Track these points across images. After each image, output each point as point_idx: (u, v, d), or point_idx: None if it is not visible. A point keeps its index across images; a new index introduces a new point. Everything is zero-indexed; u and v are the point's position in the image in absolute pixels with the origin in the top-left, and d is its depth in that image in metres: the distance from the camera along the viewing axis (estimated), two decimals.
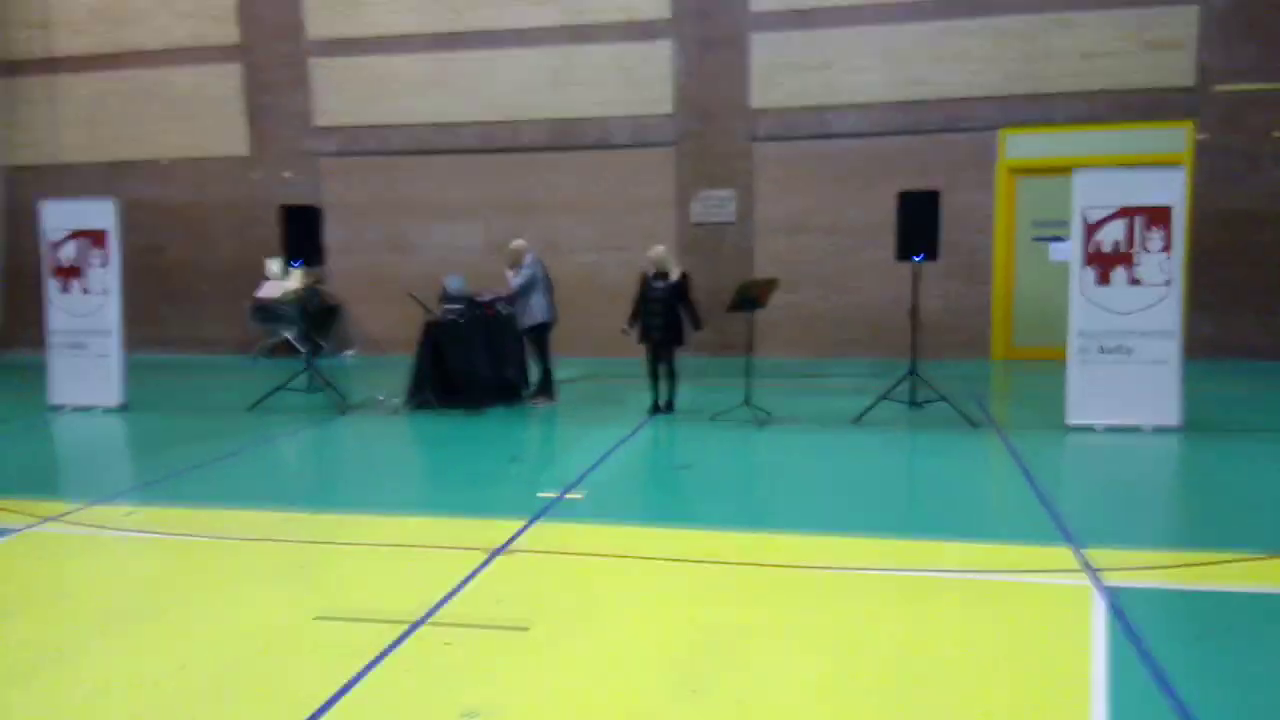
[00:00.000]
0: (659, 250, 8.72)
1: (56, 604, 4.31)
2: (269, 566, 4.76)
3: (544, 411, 9.10)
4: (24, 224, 12.87)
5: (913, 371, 8.58)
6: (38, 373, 9.72)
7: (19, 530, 5.39)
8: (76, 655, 3.70)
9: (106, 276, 9.54)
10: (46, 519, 5.59)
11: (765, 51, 12.39)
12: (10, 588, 4.56)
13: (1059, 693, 3.26)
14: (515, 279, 9.10)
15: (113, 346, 9.48)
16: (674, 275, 8.56)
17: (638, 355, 8.93)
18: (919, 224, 8.32)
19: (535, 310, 9.13)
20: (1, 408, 9.93)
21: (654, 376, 8.72)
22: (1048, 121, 11.76)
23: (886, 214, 8.65)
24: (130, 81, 14.28)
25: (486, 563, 4.70)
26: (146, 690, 3.38)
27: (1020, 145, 11.90)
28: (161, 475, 6.74)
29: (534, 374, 9.48)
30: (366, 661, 3.57)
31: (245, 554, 4.98)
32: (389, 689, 3.39)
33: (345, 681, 3.42)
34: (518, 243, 9.35)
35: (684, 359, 9.15)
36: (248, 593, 4.38)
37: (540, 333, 9.24)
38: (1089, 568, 4.46)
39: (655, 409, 8.70)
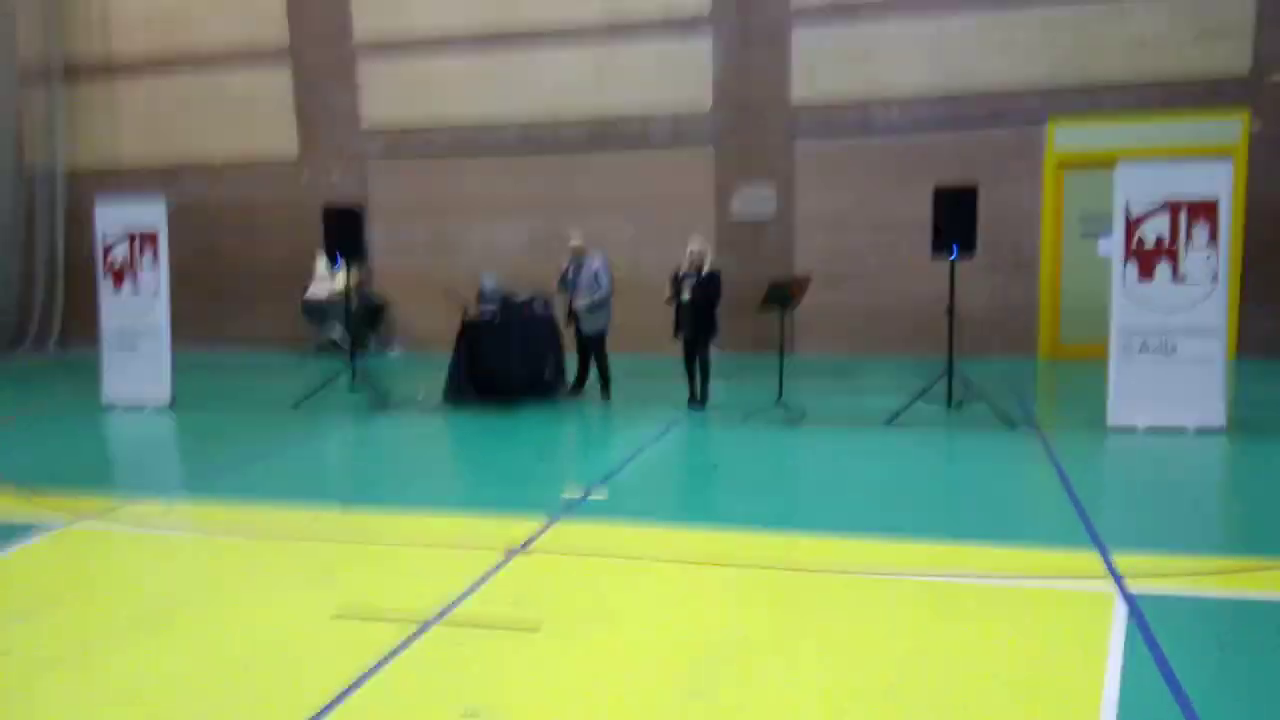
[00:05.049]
0: (693, 246, 8.71)
1: (86, 600, 4.45)
2: (295, 565, 4.87)
3: (581, 408, 9.17)
4: (84, 226, 13.30)
5: (950, 371, 8.44)
6: (94, 371, 10.05)
7: (59, 526, 5.59)
8: (100, 653, 3.82)
9: (156, 277, 9.81)
10: (86, 515, 5.78)
11: (806, 45, 12.29)
12: (44, 583, 4.73)
13: (1068, 705, 3.19)
14: (601, 279, 9.18)
15: (162, 346, 9.76)
16: (705, 269, 8.59)
17: (677, 352, 8.97)
18: (955, 219, 8.18)
19: (609, 311, 9.33)
20: (56, 405, 10.31)
21: (691, 372, 8.78)
22: (1095, 111, 11.46)
23: (929, 209, 8.51)
24: (184, 85, 14.69)
25: (505, 562, 4.75)
26: (161, 688, 3.48)
27: (1069, 137, 11.62)
28: (200, 472, 6.94)
29: (573, 373, 9.57)
30: (376, 660, 3.64)
31: (273, 552, 5.10)
32: (394, 687, 3.44)
33: (352, 680, 3.48)
34: (577, 241, 9.38)
35: (722, 355, 9.15)
36: (271, 591, 4.49)
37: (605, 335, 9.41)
38: (1114, 573, 4.36)
39: (691, 400, 8.76)
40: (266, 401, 9.89)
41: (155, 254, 9.81)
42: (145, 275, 9.82)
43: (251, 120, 14.47)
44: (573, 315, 9.30)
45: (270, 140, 14.42)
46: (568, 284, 9.28)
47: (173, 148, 14.82)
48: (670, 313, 8.77)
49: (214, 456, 7.39)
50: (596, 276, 9.20)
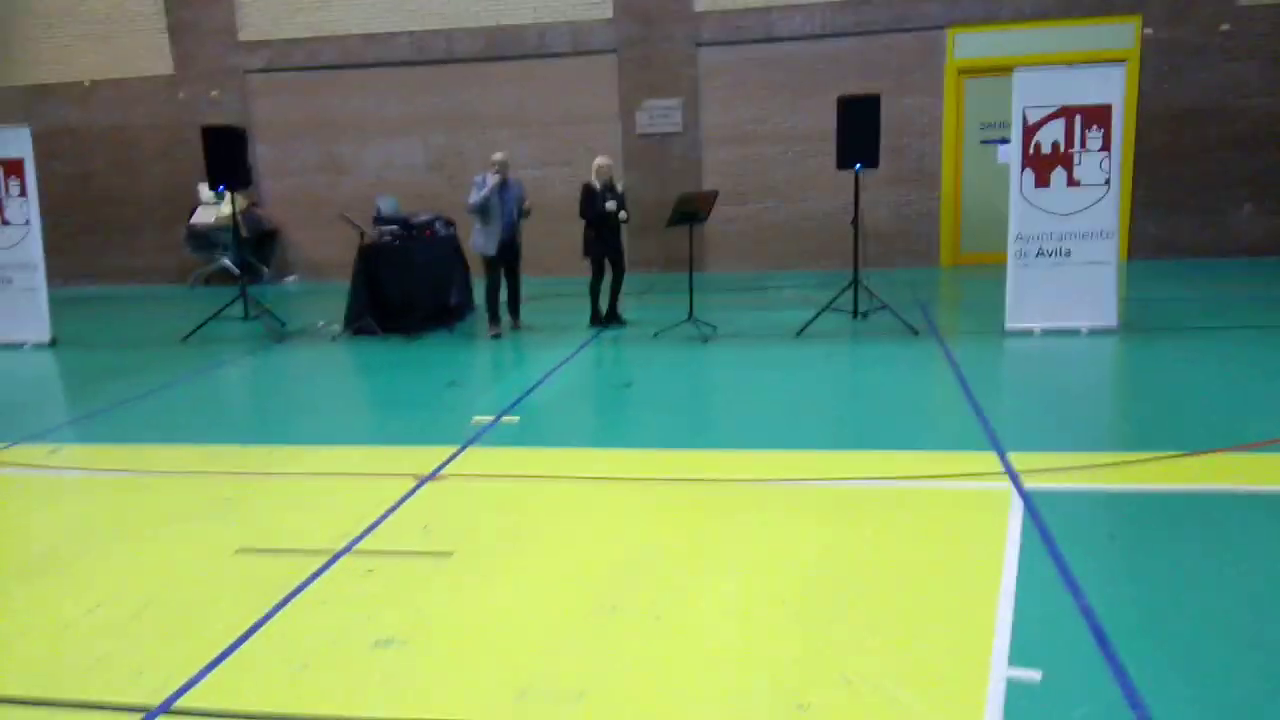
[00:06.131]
0: (607, 161, 8.56)
1: None
2: (192, 502, 4.68)
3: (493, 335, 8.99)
4: None
5: (855, 282, 8.54)
6: None
7: None
8: None
9: (26, 207, 9.17)
10: None
11: None
12: None
13: (968, 597, 3.30)
14: (524, 199, 8.61)
15: (38, 280, 9.18)
16: (620, 186, 8.53)
17: (582, 273, 8.83)
18: (860, 130, 8.16)
19: None
20: None
21: (598, 291, 8.68)
22: (994, 19, 11.52)
23: (834, 119, 8.47)
24: (43, 1, 13.53)
25: (415, 490, 4.65)
26: (56, 634, 3.32)
27: (968, 45, 11.68)
28: (88, 411, 6.59)
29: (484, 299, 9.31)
30: (284, 594, 3.53)
31: (169, 490, 4.89)
32: (304, 620, 3.35)
33: (261, 615, 3.38)
34: (502, 155, 8.56)
35: (631, 275, 9.09)
36: (169, 530, 4.31)
37: None
38: (1011, 472, 4.51)
39: (606, 321, 8.73)
40: (154, 336, 9.43)
41: (23, 184, 9.14)
42: (13, 207, 9.17)
43: (120, 36, 13.45)
44: (505, 240, 8.48)
45: (141, 57, 13.46)
46: (490, 204, 8.33)
47: (36, 67, 13.71)
48: (577, 232, 8.59)
49: (101, 395, 7.02)
50: (523, 198, 8.59)
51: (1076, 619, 3.10)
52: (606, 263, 8.60)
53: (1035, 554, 3.60)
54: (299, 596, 3.53)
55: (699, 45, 12.20)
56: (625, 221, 8.46)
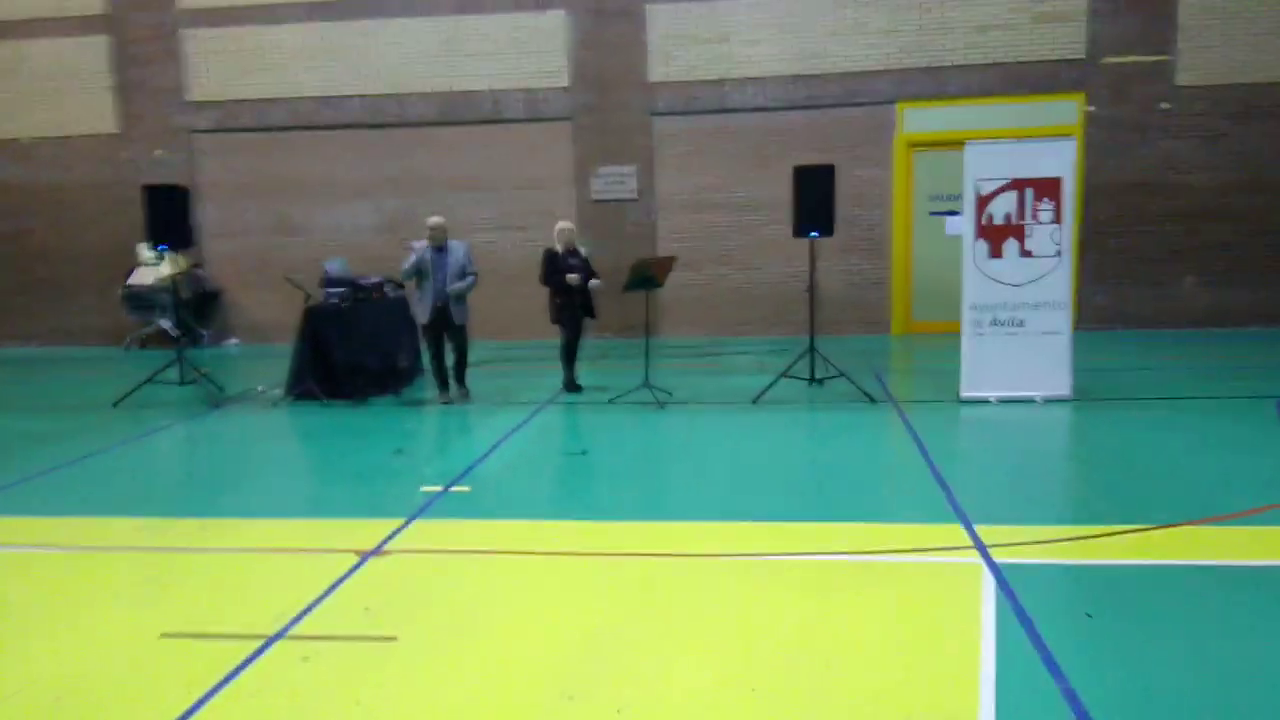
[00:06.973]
0: (570, 225, 8.56)
1: None
2: (116, 581, 4.35)
3: (438, 398, 8.72)
4: None
5: (812, 348, 8.49)
6: None
7: None
8: None
9: None
10: None
11: (662, 23, 12.13)
12: None
13: (948, 681, 3.13)
14: (468, 268, 8.23)
15: None
16: (583, 250, 8.47)
17: (537, 337, 8.66)
18: (815, 199, 8.20)
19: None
20: None
21: (571, 356, 8.57)
22: (942, 95, 11.80)
23: (787, 189, 8.52)
24: None
25: (357, 566, 4.37)
26: None
27: (917, 119, 11.93)
28: (9, 481, 6.17)
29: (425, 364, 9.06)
30: (212, 684, 3.24)
31: (91, 568, 4.54)
32: (234, 713, 3.06)
33: (186, 707, 3.08)
34: (439, 219, 8.33)
35: (586, 341, 8.93)
36: (89, 611, 3.97)
37: None
38: (980, 545, 4.38)
39: (576, 387, 8.60)
40: (86, 400, 9.00)
41: None
42: None
43: (64, 93, 13.16)
44: (438, 307, 8.15)
45: (86, 115, 13.17)
46: (425, 270, 8.09)
47: None
48: (541, 296, 8.47)
49: (26, 463, 6.61)
50: (463, 265, 8.22)
51: (1061, 705, 2.94)
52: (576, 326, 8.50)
53: (1012, 633, 3.46)
54: (228, 687, 3.24)
55: (653, 114, 12.29)
56: (595, 288, 8.40)
